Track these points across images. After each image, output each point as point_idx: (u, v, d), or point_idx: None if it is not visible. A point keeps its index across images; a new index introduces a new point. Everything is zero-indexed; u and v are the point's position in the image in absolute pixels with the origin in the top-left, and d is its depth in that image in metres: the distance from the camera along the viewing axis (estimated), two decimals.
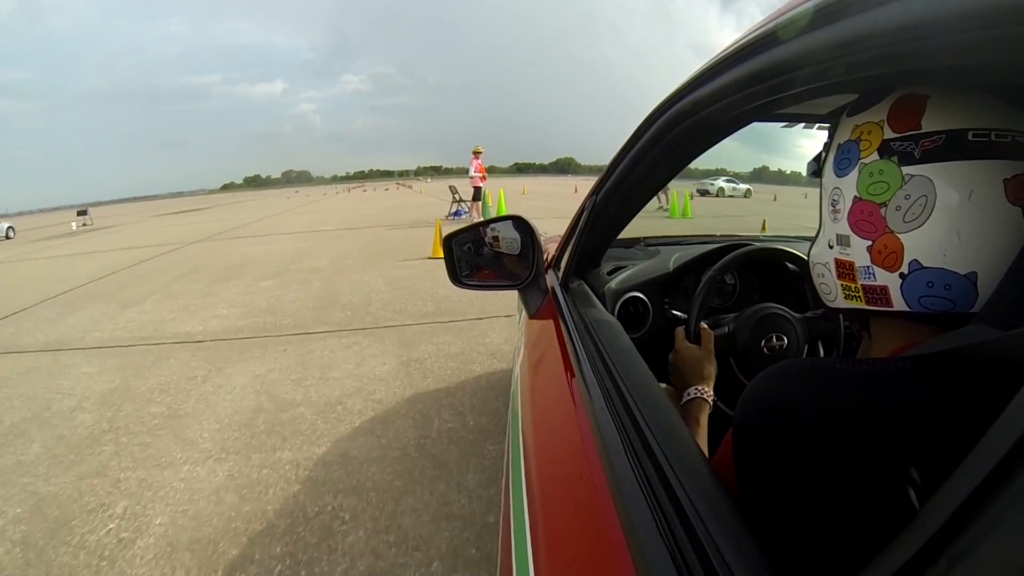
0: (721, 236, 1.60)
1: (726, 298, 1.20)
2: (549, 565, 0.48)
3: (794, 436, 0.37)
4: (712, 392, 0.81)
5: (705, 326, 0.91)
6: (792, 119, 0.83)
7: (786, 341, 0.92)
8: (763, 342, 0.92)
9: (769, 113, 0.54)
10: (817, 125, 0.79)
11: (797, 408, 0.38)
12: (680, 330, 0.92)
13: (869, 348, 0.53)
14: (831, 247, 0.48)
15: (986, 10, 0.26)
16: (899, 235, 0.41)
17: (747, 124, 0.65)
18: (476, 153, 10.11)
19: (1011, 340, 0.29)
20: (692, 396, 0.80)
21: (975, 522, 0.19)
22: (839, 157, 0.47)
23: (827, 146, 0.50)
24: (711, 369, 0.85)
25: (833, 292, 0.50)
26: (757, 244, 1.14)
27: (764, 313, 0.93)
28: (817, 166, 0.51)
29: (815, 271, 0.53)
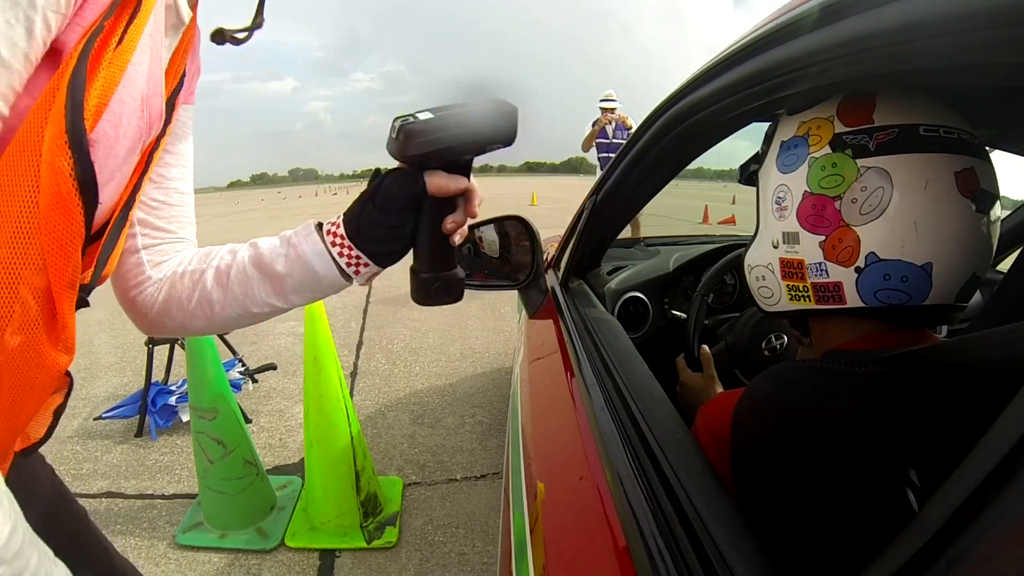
0: (721, 236, 1.61)
1: (726, 298, 1.20)
2: (549, 565, 0.48)
3: (794, 437, 0.37)
4: None
5: (705, 348, 0.88)
6: None
7: (786, 339, 0.92)
8: (763, 344, 0.92)
9: (769, 113, 0.54)
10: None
11: (797, 409, 0.38)
12: (681, 359, 0.90)
13: (808, 352, 0.51)
14: (775, 247, 0.47)
15: (986, 10, 0.26)
16: (855, 228, 0.41)
17: (747, 124, 0.64)
18: None
19: (994, 337, 0.29)
20: None
21: (975, 522, 0.19)
22: (784, 154, 0.46)
23: (766, 146, 0.50)
24: (718, 393, 0.82)
25: (776, 295, 0.49)
26: None
27: (760, 315, 0.93)
28: (755, 167, 0.51)
29: (752, 275, 0.52)
